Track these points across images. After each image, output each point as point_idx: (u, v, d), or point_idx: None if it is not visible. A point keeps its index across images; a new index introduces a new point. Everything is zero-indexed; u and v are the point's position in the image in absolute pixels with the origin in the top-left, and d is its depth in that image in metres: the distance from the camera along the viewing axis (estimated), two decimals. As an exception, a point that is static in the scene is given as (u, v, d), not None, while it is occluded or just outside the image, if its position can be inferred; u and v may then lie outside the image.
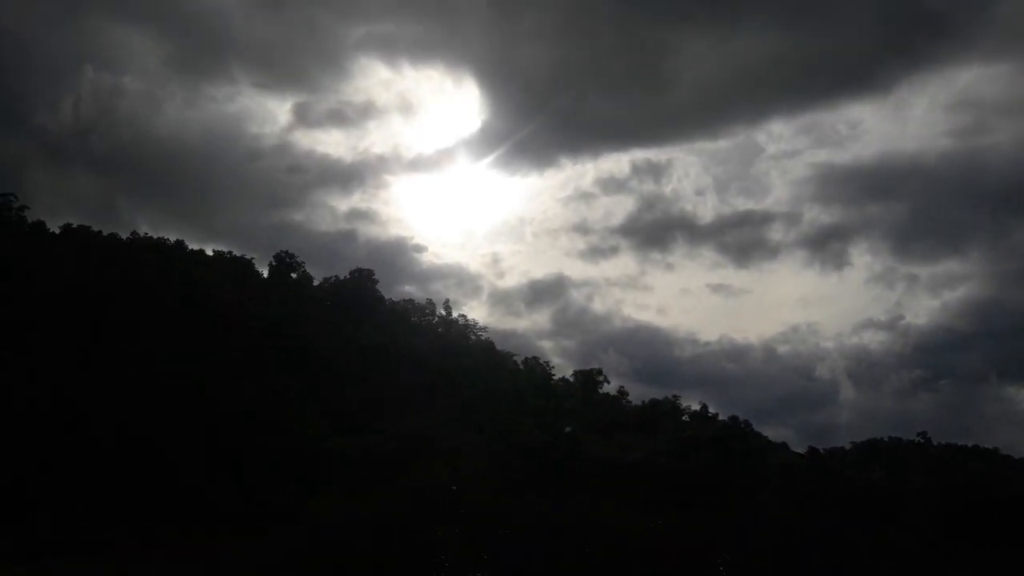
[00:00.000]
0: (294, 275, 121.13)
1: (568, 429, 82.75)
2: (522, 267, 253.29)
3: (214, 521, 55.04)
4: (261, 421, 69.77)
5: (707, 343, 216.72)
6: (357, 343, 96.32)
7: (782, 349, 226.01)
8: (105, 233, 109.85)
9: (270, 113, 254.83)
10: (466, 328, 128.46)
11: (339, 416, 77.27)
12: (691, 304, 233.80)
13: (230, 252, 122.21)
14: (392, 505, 10.23)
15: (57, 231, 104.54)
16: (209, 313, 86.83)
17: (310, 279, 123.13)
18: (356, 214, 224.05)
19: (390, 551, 9.76)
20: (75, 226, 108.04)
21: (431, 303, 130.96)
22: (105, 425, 63.89)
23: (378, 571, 9.63)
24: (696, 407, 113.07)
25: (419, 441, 66.85)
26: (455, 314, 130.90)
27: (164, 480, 61.16)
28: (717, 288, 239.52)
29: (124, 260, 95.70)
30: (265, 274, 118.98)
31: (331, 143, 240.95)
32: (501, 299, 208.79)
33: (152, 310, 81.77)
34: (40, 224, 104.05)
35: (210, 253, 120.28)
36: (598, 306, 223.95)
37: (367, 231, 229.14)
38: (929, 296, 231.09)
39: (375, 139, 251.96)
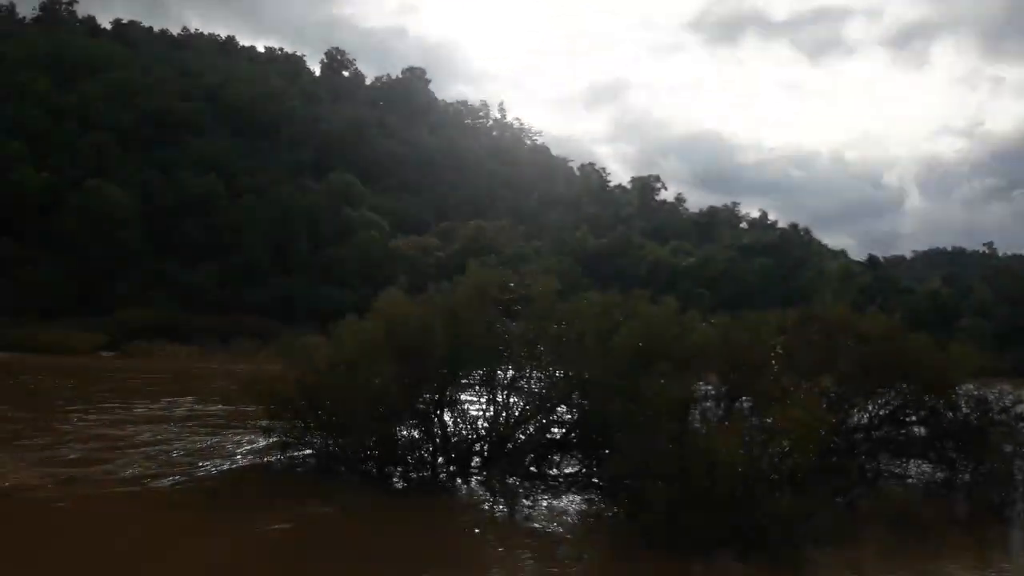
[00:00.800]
0: (345, 73, 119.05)
1: (623, 233, 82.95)
2: (581, 66, 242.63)
3: (286, 315, 58.11)
4: (323, 219, 71.53)
5: (772, 148, 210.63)
6: (412, 145, 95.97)
7: (850, 155, 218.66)
8: (156, 29, 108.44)
9: None
10: (521, 132, 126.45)
11: (398, 217, 78.62)
12: (759, 107, 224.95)
13: (281, 49, 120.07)
14: (456, 300, 10.57)
15: (109, 27, 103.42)
16: (266, 112, 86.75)
17: (362, 78, 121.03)
18: (406, 7, 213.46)
19: (458, 340, 10.25)
20: (126, 21, 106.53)
21: (485, 105, 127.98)
22: (174, 222, 66.29)
23: (449, 355, 10.20)
24: (755, 214, 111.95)
25: (478, 243, 68.02)
26: (509, 117, 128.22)
27: (237, 276, 64.08)
28: (788, 89, 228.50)
29: (177, 57, 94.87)
30: (317, 72, 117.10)
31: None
32: (557, 102, 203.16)
33: (208, 109, 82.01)
34: (91, 19, 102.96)
35: (261, 50, 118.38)
36: (659, 109, 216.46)
37: (417, 26, 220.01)
38: (1014, 100, 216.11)
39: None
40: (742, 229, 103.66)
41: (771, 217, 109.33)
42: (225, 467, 11.12)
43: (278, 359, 11.46)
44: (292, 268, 66.93)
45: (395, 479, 10.64)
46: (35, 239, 60.87)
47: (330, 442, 10.81)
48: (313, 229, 70.98)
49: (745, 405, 9.98)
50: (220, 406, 16.97)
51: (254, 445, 11.30)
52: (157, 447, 12.39)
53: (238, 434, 13.04)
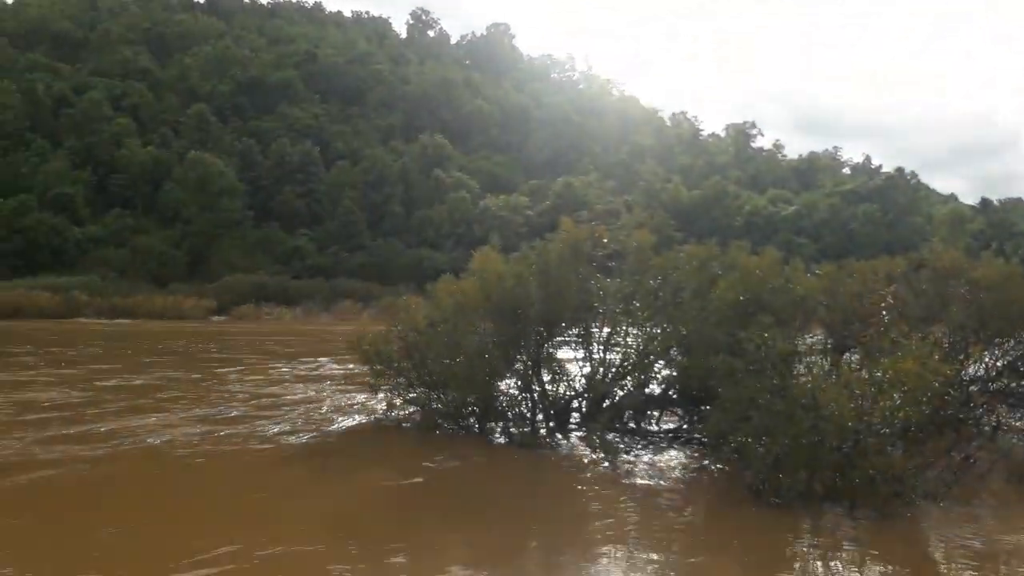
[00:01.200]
0: (431, 33, 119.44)
1: (718, 183, 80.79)
2: (669, 10, 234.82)
3: (383, 276, 59.48)
4: (415, 182, 72.45)
5: (874, 88, 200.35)
6: (498, 103, 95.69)
7: (960, 92, 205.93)
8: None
9: None
10: (608, 83, 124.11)
11: (488, 177, 78.86)
12: (859, 43, 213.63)
13: (367, 12, 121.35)
14: (550, 257, 10.58)
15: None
16: (355, 77, 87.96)
17: (447, 37, 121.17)
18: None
19: (553, 298, 10.33)
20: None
21: (571, 58, 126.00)
22: (273, 190, 68.40)
23: (544, 312, 10.33)
24: (859, 159, 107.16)
25: (568, 200, 67.63)
26: (596, 68, 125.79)
27: (335, 240, 65.80)
28: (889, 23, 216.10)
29: (268, 26, 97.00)
30: (403, 34, 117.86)
31: None
32: (645, 48, 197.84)
33: (300, 76, 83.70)
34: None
35: (348, 15, 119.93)
36: (754, 52, 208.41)
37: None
38: None
39: None
40: (844, 175, 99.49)
41: (875, 161, 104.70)
42: (354, 422, 11.68)
43: (379, 319, 11.83)
44: (387, 231, 68.27)
45: (496, 435, 10.85)
46: (145, 210, 64.12)
47: (433, 398, 11.12)
48: (406, 192, 72.08)
49: (853, 358, 9.68)
50: (355, 367, 17.82)
51: (394, 402, 11.74)
52: (310, 405, 13.15)
53: (376, 392, 13.58)
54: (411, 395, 11.41)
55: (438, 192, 71.60)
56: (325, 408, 12.86)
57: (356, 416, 12.08)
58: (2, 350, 23.30)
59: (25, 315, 42.03)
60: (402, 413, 11.57)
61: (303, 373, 18.11)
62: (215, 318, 47.41)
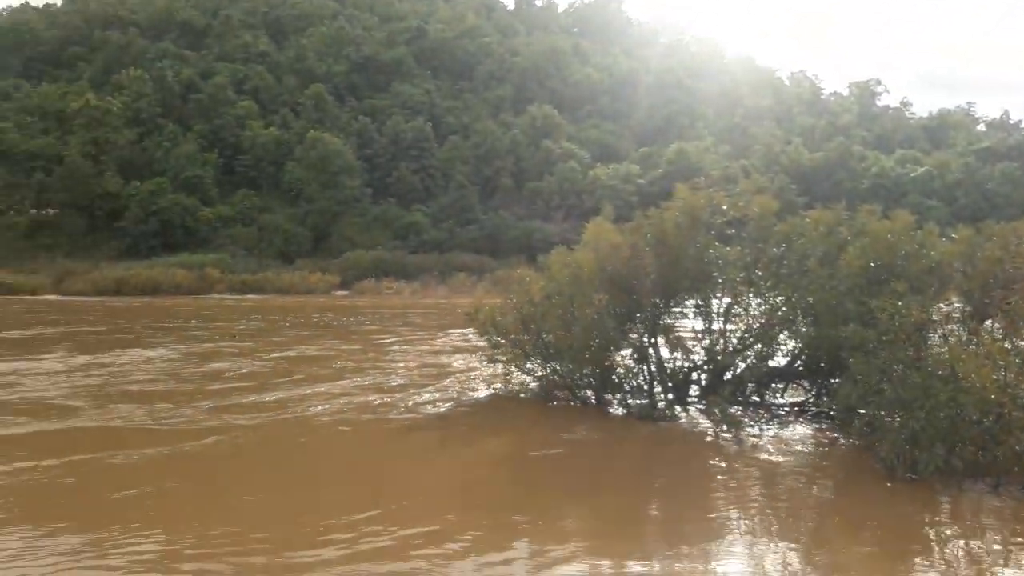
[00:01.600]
0: (539, 2, 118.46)
1: (841, 144, 76.99)
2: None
3: (495, 250, 60.08)
4: (525, 154, 72.45)
5: (1011, 38, 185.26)
6: (608, 70, 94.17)
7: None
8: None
9: None
10: (722, 45, 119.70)
11: (598, 146, 77.98)
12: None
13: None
14: (666, 226, 10.35)
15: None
16: (464, 51, 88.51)
17: (555, 6, 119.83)
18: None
19: (669, 268, 10.15)
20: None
21: (682, 20, 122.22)
22: (389, 167, 69.95)
23: (661, 283, 10.16)
24: (995, 115, 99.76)
25: (680, 167, 66.07)
26: (710, 29, 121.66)
27: (449, 215, 66.80)
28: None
29: (379, 3, 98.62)
30: (511, 6, 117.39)
31: None
32: (761, 6, 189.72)
33: (411, 53, 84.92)
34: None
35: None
36: (877, 6, 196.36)
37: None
38: None
39: None
40: (979, 132, 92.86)
41: (1014, 117, 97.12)
42: (486, 392, 11.97)
43: (493, 292, 11.93)
44: (498, 204, 68.68)
45: (613, 406, 10.80)
46: (270, 189, 66.89)
47: (550, 370, 11.18)
48: (516, 164, 72.23)
49: (994, 327, 9.06)
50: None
51: (534, 374, 11.80)
52: (462, 375, 13.65)
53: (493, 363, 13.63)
54: (528, 366, 11.51)
55: (548, 163, 71.37)
56: (475, 379, 13.15)
57: (494, 386, 12.27)
58: (174, 325, 24.75)
59: (163, 292, 44.78)
60: (520, 384, 11.69)
61: (459, 344, 18.62)
62: (338, 292, 49.15)
